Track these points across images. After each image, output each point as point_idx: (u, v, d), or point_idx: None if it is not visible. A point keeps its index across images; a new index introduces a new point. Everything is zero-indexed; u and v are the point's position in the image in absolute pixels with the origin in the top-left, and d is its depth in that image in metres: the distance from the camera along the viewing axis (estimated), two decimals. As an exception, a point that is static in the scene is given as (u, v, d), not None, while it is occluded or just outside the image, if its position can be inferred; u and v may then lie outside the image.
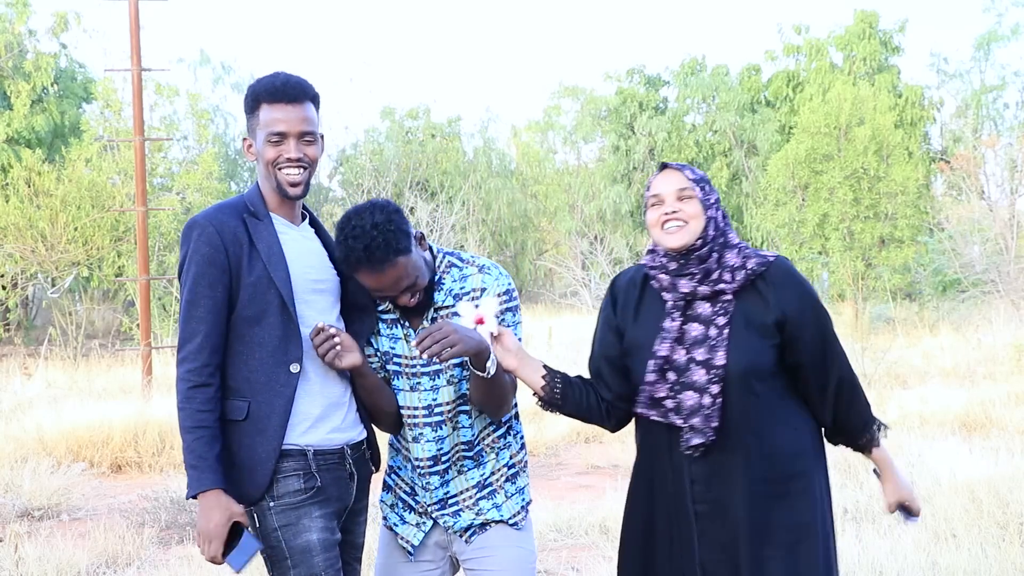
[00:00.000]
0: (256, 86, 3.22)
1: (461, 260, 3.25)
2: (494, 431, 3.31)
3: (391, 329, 3.26)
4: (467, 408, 3.25)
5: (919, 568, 5.34)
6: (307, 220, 3.32)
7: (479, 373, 3.07)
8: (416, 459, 3.29)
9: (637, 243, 28.16)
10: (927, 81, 33.86)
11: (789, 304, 3.00)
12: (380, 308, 3.27)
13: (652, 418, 3.03)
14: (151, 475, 8.94)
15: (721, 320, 2.99)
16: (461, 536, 3.30)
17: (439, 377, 3.23)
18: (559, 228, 30.98)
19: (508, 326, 3.19)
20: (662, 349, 3.00)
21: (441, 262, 3.24)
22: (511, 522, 3.29)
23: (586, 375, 3.22)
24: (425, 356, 2.97)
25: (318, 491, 3.15)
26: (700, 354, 2.97)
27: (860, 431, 3.10)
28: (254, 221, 3.17)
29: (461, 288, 3.22)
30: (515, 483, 3.34)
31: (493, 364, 3.05)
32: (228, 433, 3.11)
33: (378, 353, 3.29)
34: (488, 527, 3.29)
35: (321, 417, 3.19)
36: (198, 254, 3.11)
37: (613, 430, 3.21)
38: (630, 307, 3.12)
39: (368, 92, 37.76)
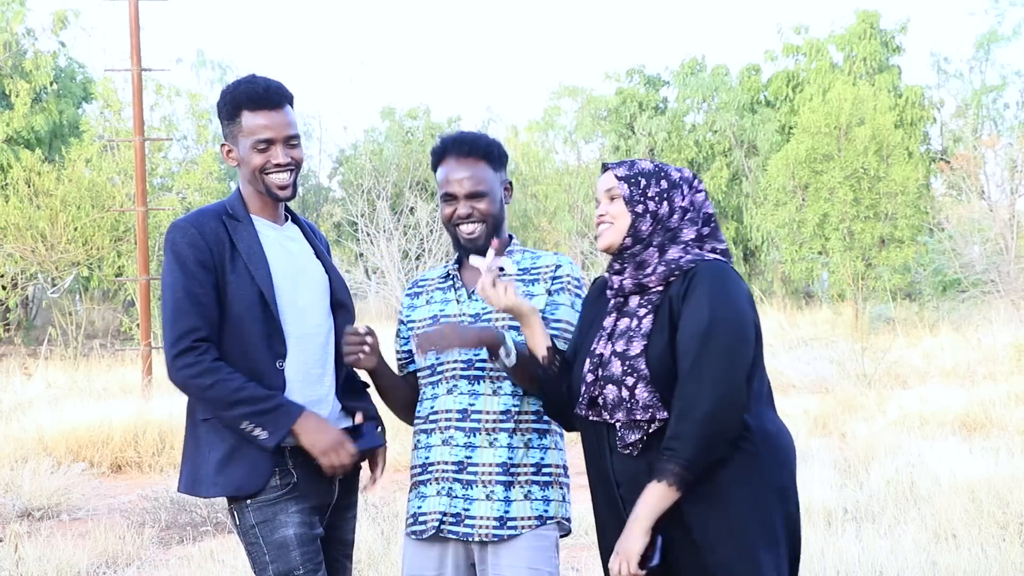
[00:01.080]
0: (235, 92, 3.22)
1: (532, 250, 3.37)
2: (535, 422, 3.23)
3: (445, 295, 3.33)
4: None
5: (919, 568, 5.33)
6: (290, 220, 3.36)
7: (498, 364, 3.12)
8: (445, 411, 3.22)
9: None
10: (927, 81, 33.87)
11: (687, 305, 2.81)
12: (441, 276, 3.35)
13: (591, 419, 2.94)
14: (151, 475, 8.95)
15: (643, 311, 2.90)
16: (471, 542, 3.17)
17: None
18: (559, 228, 30.96)
19: (571, 307, 3.24)
20: (596, 346, 2.95)
21: (514, 243, 3.36)
22: (512, 525, 3.16)
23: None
24: (426, 357, 3.04)
25: (294, 487, 3.17)
26: (620, 346, 2.89)
27: (667, 449, 2.76)
28: (234, 223, 3.22)
29: (532, 264, 3.29)
30: (543, 491, 3.23)
31: (508, 356, 3.08)
32: (232, 428, 3.13)
33: (425, 320, 3.30)
34: (470, 535, 3.16)
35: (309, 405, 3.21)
36: (183, 256, 3.14)
37: (568, 429, 3.16)
38: (588, 308, 3.11)
39: (368, 92, 37.80)
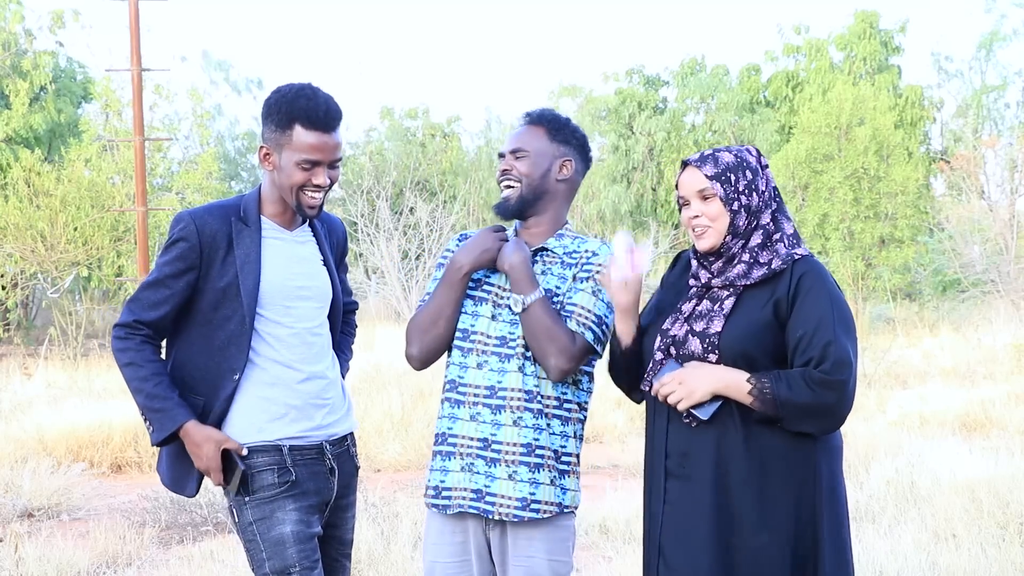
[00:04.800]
0: (293, 104, 3.15)
1: (584, 238, 3.36)
2: (556, 407, 3.23)
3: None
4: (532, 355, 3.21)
5: (919, 568, 5.33)
6: (305, 222, 3.34)
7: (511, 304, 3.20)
8: (473, 386, 3.22)
9: (637, 243, 28.11)
10: (927, 81, 33.87)
11: (802, 306, 2.89)
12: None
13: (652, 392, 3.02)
14: (151, 475, 8.93)
15: (726, 294, 2.95)
16: (490, 519, 3.19)
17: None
18: (559, 228, 30.92)
19: (593, 294, 3.24)
20: (671, 327, 3.00)
21: (567, 229, 3.36)
22: (535, 508, 3.17)
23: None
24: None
25: (292, 485, 3.20)
26: (699, 325, 2.94)
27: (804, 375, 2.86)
28: (240, 226, 3.21)
29: (575, 249, 3.29)
30: (562, 479, 3.24)
31: (517, 304, 3.17)
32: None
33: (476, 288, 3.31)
34: (491, 512, 3.17)
35: (298, 415, 3.24)
36: (176, 245, 3.19)
37: (638, 401, 3.21)
38: (668, 288, 3.16)
39: (368, 92, 37.79)
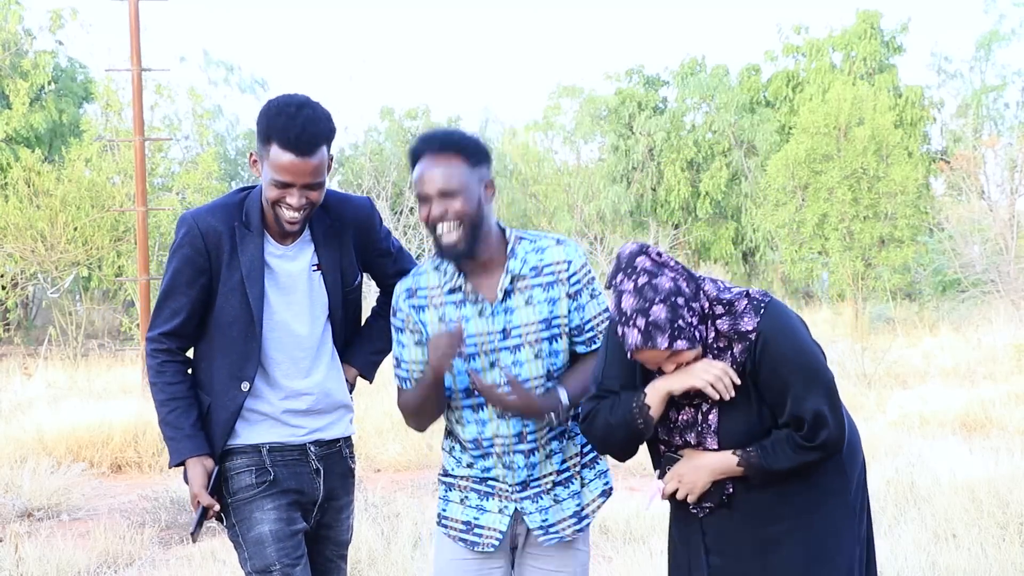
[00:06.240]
0: (271, 121, 3.09)
1: (530, 235, 3.19)
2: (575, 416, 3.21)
3: (460, 309, 3.14)
4: (551, 385, 3.15)
5: (919, 568, 5.33)
6: (302, 233, 3.27)
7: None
8: (500, 436, 3.14)
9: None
10: (927, 81, 33.87)
11: (765, 373, 2.83)
12: (447, 289, 3.16)
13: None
14: (151, 475, 8.94)
15: (705, 406, 2.89)
16: (536, 536, 3.19)
17: (520, 351, 3.12)
18: (559, 228, 30.92)
19: (592, 298, 3.18)
20: (668, 437, 2.97)
21: (510, 235, 3.17)
22: (584, 514, 3.22)
23: None
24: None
25: (271, 484, 3.22)
26: (691, 438, 2.92)
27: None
28: (243, 231, 3.19)
29: (540, 260, 3.14)
30: (594, 468, 3.27)
31: (557, 420, 3.15)
32: None
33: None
34: (563, 538, 3.20)
35: (275, 423, 3.25)
36: (181, 251, 3.18)
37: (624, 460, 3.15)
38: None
39: (367, 92, 37.77)
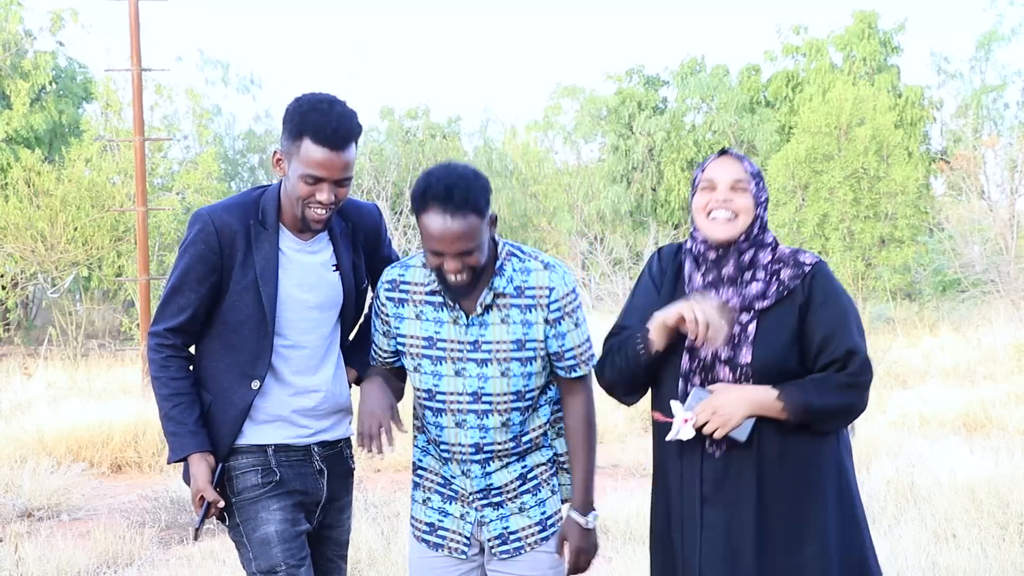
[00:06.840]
0: (304, 117, 3.09)
1: (522, 252, 3.14)
2: (544, 426, 3.23)
3: (438, 312, 3.14)
4: (520, 406, 3.15)
5: (919, 568, 5.33)
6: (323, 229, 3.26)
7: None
8: (458, 444, 3.16)
9: (637, 243, 28.10)
10: (927, 81, 33.87)
11: (818, 314, 2.93)
12: (428, 290, 3.15)
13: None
14: (151, 475, 8.94)
15: (746, 317, 2.92)
16: (491, 546, 3.20)
17: (487, 365, 3.12)
18: (559, 228, 30.95)
19: (575, 327, 3.14)
20: (698, 350, 2.95)
21: (502, 250, 3.12)
22: (551, 523, 3.22)
23: None
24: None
25: (276, 484, 3.21)
26: (724, 352, 2.92)
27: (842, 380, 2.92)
28: (259, 229, 3.19)
29: (524, 281, 3.10)
30: (560, 479, 3.28)
31: (590, 522, 3.20)
32: None
33: (418, 339, 3.16)
34: (521, 548, 3.20)
35: (283, 423, 3.24)
36: (194, 247, 3.16)
37: (631, 404, 3.18)
38: (667, 282, 3.08)
39: (367, 91, 37.77)
